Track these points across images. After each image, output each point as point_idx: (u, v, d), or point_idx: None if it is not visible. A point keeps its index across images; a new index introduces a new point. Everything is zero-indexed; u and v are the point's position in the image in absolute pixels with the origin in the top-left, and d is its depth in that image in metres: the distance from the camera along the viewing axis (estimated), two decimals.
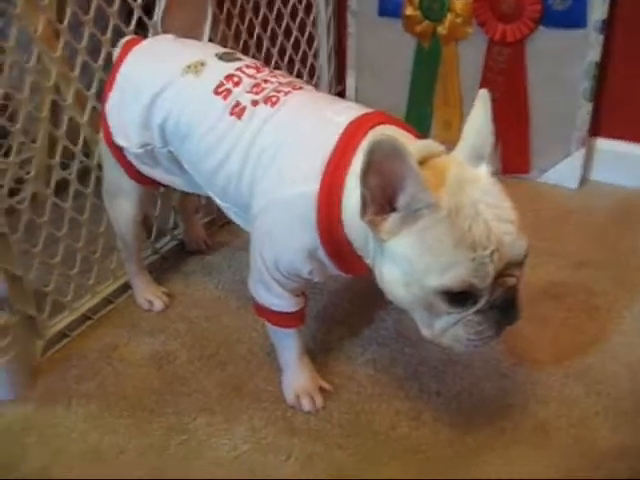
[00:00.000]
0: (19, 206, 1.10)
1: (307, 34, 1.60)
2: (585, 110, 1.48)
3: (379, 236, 0.82)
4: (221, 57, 1.02)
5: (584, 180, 1.57)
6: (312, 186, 0.88)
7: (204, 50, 1.06)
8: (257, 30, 1.44)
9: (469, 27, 1.52)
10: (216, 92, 0.97)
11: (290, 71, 1.53)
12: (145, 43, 1.11)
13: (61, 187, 1.18)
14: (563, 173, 1.55)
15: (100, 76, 1.18)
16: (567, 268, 1.32)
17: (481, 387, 1.08)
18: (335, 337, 1.18)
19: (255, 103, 0.95)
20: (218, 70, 0.99)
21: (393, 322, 1.21)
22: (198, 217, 1.41)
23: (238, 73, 0.98)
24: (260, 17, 1.44)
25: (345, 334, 1.19)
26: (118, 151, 1.08)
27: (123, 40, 1.12)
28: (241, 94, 0.96)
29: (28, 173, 1.18)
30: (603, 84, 1.49)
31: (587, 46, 1.42)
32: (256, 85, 0.97)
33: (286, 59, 1.55)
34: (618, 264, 1.33)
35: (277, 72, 1.03)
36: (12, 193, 1.15)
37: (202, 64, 1.00)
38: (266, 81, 0.98)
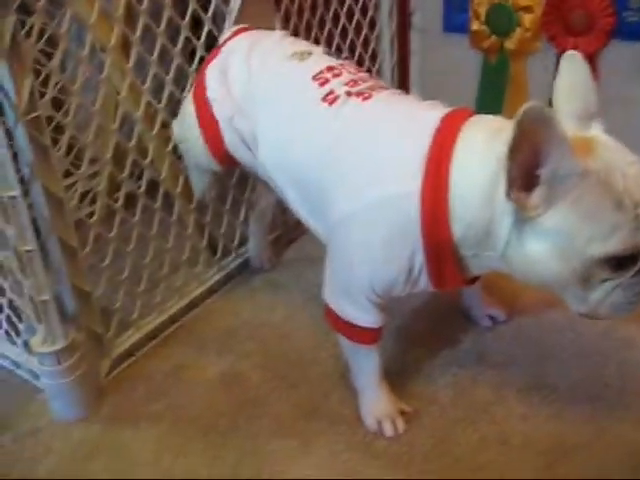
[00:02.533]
0: (88, 220, 1.04)
1: (370, 50, 1.53)
2: None
3: (526, 214, 0.75)
4: (328, 53, 1.00)
5: None
6: (413, 184, 0.80)
7: (313, 46, 1.03)
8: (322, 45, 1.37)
9: (538, 41, 1.44)
10: (314, 78, 0.92)
11: None
12: (256, 31, 1.09)
13: (129, 201, 1.12)
14: None
15: (170, 89, 1.13)
16: None
17: (570, 410, 0.98)
18: (412, 358, 1.09)
19: (349, 94, 0.89)
20: (322, 61, 0.95)
21: (472, 343, 1.11)
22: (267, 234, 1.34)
23: (339, 67, 0.94)
24: (325, 34, 1.37)
25: (422, 355, 1.09)
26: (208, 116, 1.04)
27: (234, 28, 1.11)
28: (338, 85, 0.90)
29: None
30: None
31: None
32: (353, 80, 0.91)
33: None
34: None
35: (365, 75, 0.96)
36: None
37: (309, 53, 0.97)
38: (362, 79, 0.93)
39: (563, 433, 0.95)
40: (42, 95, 0.91)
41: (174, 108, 1.15)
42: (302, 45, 1.02)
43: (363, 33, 1.49)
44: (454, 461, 0.92)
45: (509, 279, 0.85)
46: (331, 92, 0.89)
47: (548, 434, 0.95)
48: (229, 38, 1.06)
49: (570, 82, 0.80)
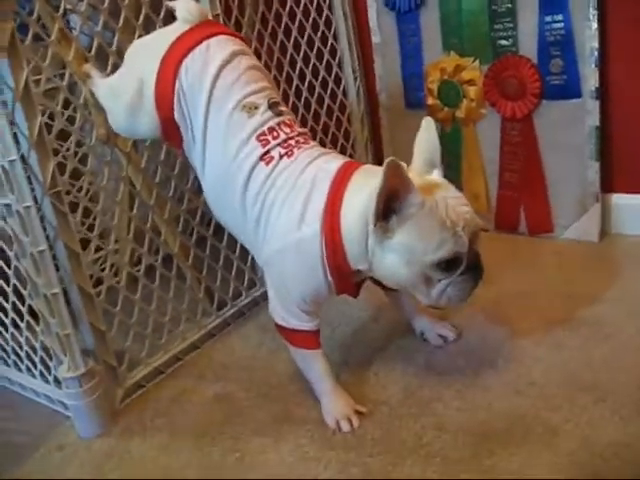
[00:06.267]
0: (103, 274, 1.38)
1: (343, 130, 1.89)
2: (594, 169, 1.68)
3: (384, 236, 1.11)
4: (270, 106, 1.24)
5: (603, 233, 1.75)
6: (317, 227, 1.16)
7: (260, 93, 1.25)
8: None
9: (483, 109, 1.78)
10: (258, 138, 1.22)
11: None
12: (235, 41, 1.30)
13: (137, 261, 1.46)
14: (583, 228, 1.73)
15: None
16: (584, 304, 1.48)
17: (498, 403, 1.24)
18: (371, 372, 1.38)
19: (280, 156, 1.21)
20: (265, 119, 1.23)
21: (424, 358, 1.39)
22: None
23: (277, 128, 1.23)
24: (299, 117, 1.73)
25: (380, 368, 1.38)
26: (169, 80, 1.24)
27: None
28: (274, 147, 1.22)
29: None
30: (609, 144, 1.69)
31: (586, 113, 1.64)
32: (284, 140, 1.23)
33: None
34: (631, 300, 1.48)
35: (298, 129, 1.27)
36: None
37: (256, 107, 1.23)
38: (291, 138, 1.24)
39: (490, 420, 1.21)
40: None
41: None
42: (255, 84, 1.25)
43: (335, 115, 1.85)
44: (397, 444, 1.19)
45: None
46: (268, 152, 1.21)
47: (478, 422, 1.21)
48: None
49: (423, 140, 1.18)
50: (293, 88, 1.73)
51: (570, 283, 1.57)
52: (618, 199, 1.73)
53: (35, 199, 1.20)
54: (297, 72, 1.74)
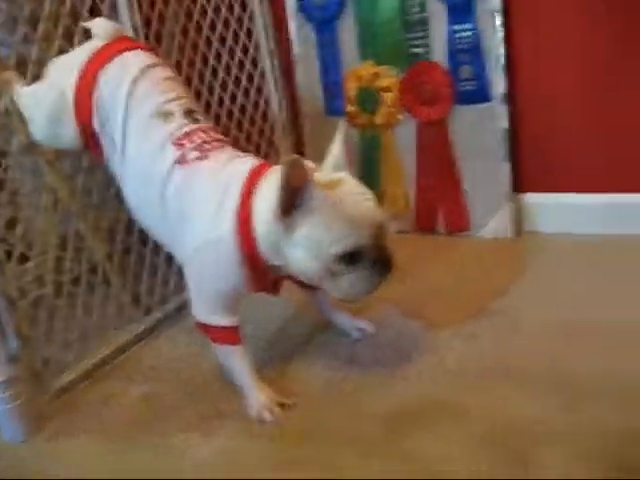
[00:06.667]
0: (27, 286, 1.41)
1: (267, 137, 1.95)
2: (505, 170, 1.78)
3: (290, 229, 1.16)
4: (186, 113, 1.32)
5: (517, 231, 1.86)
6: (231, 227, 1.21)
7: (176, 101, 1.33)
8: None
9: (400, 114, 1.87)
10: (174, 143, 1.28)
11: None
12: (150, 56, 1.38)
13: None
14: (498, 226, 1.83)
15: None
16: (497, 297, 1.58)
17: (416, 391, 1.31)
18: (292, 367, 1.44)
19: (197, 159, 1.27)
20: (180, 125, 1.30)
21: (345, 351, 1.46)
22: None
23: (193, 134, 1.29)
24: (222, 127, 1.78)
25: (300, 364, 1.44)
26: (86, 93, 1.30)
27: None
28: (190, 150, 1.27)
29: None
30: (519, 145, 1.80)
31: (495, 116, 1.75)
32: (200, 144, 1.28)
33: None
34: (540, 291, 1.60)
35: (214, 135, 1.34)
36: None
37: (172, 114, 1.30)
38: (207, 142, 1.30)
39: (406, 404, 1.27)
40: None
41: None
42: (170, 93, 1.32)
43: (258, 124, 1.91)
44: (321, 432, 1.24)
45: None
46: (184, 156, 1.27)
47: (396, 405, 1.28)
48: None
49: (334, 142, 1.26)
50: (216, 98, 1.78)
51: (485, 278, 1.67)
52: (529, 198, 1.84)
53: None
54: (219, 82, 1.80)
